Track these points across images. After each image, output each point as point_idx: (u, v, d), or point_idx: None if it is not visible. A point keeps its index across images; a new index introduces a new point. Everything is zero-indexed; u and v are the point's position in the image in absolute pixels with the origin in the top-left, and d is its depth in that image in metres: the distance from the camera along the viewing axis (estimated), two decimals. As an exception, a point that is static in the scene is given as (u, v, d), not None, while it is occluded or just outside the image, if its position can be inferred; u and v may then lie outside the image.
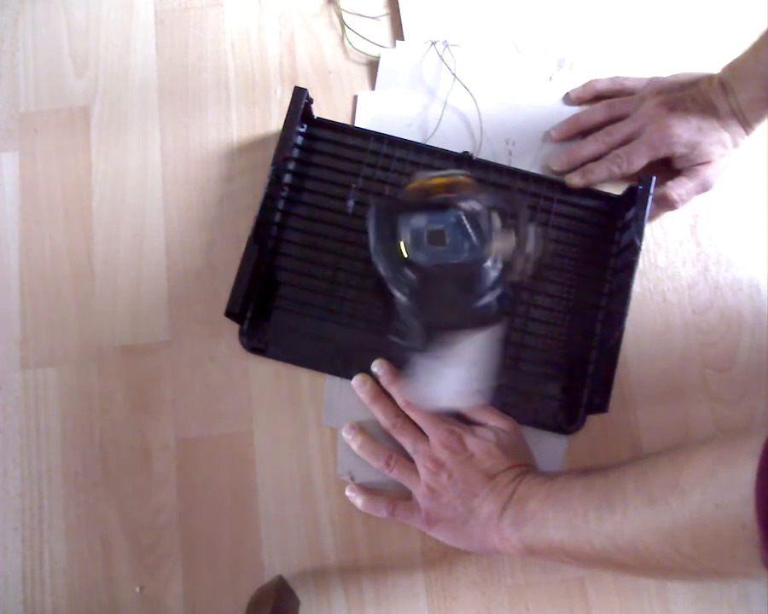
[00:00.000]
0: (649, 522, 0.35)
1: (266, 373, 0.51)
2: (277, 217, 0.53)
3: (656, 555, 0.36)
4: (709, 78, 0.52)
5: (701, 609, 0.48)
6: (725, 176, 0.53)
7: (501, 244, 0.45)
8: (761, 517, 0.29)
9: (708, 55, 0.57)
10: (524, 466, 0.45)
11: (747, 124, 0.51)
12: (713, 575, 0.41)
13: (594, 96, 0.56)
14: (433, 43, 0.57)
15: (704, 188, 0.53)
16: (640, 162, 0.52)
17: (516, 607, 0.48)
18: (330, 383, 0.51)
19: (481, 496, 0.44)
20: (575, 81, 0.57)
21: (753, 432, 0.32)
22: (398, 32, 0.58)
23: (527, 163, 0.55)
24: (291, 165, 0.54)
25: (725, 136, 0.51)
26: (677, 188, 0.52)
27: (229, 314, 0.49)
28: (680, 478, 0.34)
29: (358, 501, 0.48)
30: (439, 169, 0.53)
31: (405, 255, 0.45)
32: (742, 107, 0.50)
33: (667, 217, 0.55)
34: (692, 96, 0.52)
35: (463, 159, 0.53)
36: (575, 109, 0.57)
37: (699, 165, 0.52)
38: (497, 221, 0.46)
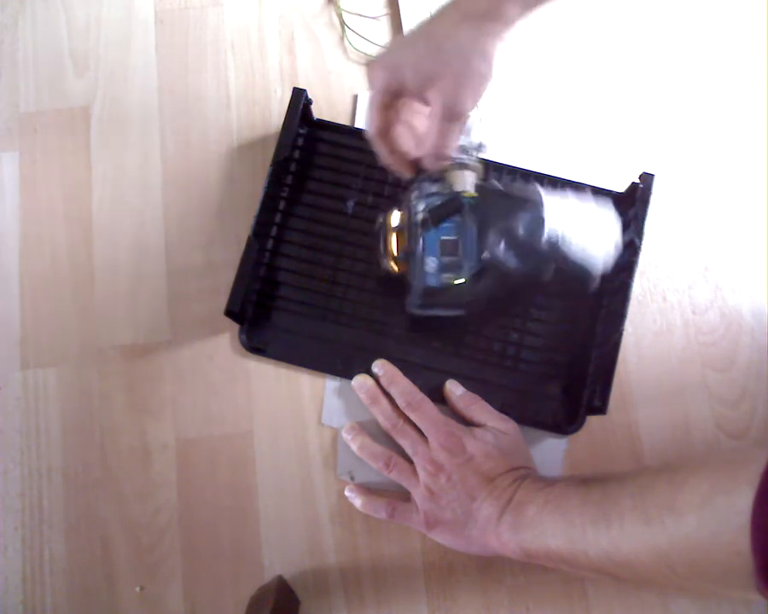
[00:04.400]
0: (645, 540, 0.35)
1: (266, 373, 0.51)
2: (277, 218, 0.53)
3: (651, 572, 0.36)
4: None
5: (702, 609, 0.48)
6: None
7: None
8: (756, 546, 0.29)
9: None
10: (523, 470, 0.45)
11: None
12: (709, 594, 0.41)
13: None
14: (433, 43, 0.57)
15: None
16: None
17: (516, 607, 0.48)
18: (330, 383, 0.51)
19: (480, 499, 0.44)
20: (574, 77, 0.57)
21: (750, 460, 0.32)
22: (397, 32, 0.58)
23: (527, 161, 0.55)
24: (291, 166, 0.54)
25: None
26: None
27: (229, 313, 0.49)
28: (677, 500, 0.34)
29: (357, 501, 0.48)
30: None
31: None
32: None
33: (667, 216, 0.54)
34: None
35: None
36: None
37: None
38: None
